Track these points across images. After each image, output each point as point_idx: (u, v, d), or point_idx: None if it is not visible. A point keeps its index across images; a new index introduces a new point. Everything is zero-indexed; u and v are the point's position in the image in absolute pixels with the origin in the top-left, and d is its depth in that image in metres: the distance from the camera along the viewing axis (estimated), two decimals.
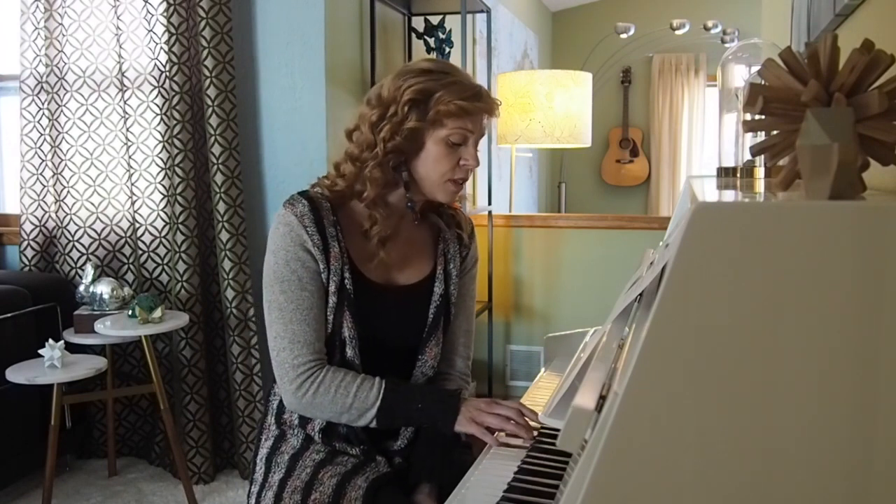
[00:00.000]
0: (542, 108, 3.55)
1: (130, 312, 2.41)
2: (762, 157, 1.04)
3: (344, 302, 1.34)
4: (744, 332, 0.60)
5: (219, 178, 2.55)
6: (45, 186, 2.79)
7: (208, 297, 2.71)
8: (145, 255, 2.76)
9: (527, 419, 1.29)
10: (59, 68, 2.75)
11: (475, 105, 1.31)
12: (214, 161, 2.55)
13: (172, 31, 2.55)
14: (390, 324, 1.39)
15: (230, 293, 2.58)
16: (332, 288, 1.33)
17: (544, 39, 6.28)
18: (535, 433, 1.26)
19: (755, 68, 1.20)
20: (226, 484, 2.64)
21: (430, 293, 1.43)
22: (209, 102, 2.53)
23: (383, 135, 1.32)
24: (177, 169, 2.58)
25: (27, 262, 2.79)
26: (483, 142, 4.17)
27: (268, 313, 1.34)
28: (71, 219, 2.79)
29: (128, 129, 2.71)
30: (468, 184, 1.47)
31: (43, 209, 2.81)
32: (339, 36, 2.72)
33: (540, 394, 1.52)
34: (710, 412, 0.60)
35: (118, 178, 2.78)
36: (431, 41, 3.28)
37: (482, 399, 1.33)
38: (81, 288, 2.66)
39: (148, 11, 2.61)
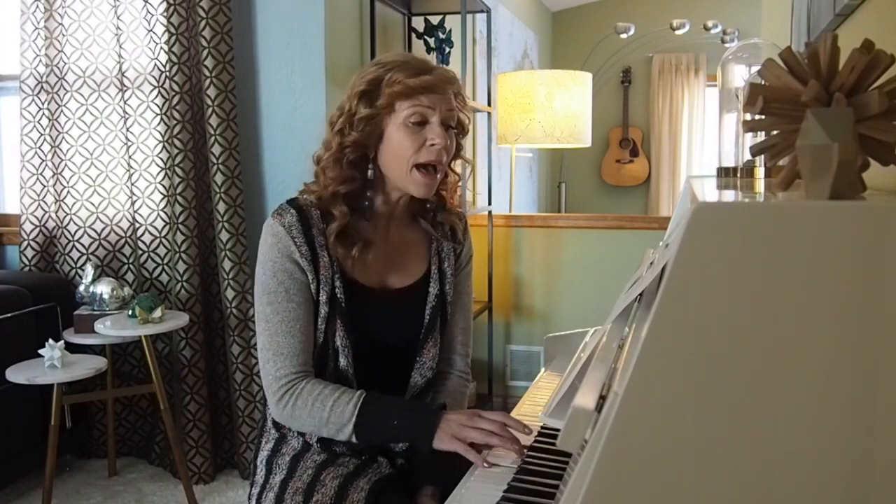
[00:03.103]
0: (542, 108, 3.55)
1: (130, 312, 2.41)
2: (762, 157, 1.04)
3: (335, 311, 1.32)
4: (744, 331, 0.60)
5: (219, 178, 2.55)
6: (45, 186, 2.79)
7: (208, 297, 2.71)
8: (145, 255, 2.76)
9: (512, 431, 1.20)
10: (59, 68, 2.75)
11: (423, 79, 1.26)
12: (214, 161, 2.55)
13: (172, 31, 2.55)
14: (386, 327, 1.38)
15: (230, 293, 2.58)
16: (322, 298, 1.32)
17: (544, 39, 6.28)
18: (525, 445, 1.18)
19: (755, 68, 1.20)
20: (226, 484, 2.64)
21: (426, 294, 1.41)
22: (209, 102, 2.53)
23: (338, 128, 1.31)
24: (177, 169, 2.58)
25: (27, 262, 2.79)
26: (483, 142, 4.16)
27: (257, 324, 1.33)
28: (71, 219, 2.79)
29: (128, 129, 2.71)
30: (468, 184, 1.43)
31: (43, 209, 2.81)
32: (339, 36, 2.72)
33: (540, 394, 1.52)
34: (710, 412, 0.60)
35: (118, 178, 2.78)
36: (431, 41, 3.28)
37: (465, 412, 1.25)
38: (81, 288, 2.66)
39: (148, 11, 2.61)
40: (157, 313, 2.39)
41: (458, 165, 1.43)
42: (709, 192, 0.99)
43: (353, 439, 1.27)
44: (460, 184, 1.48)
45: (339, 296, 1.32)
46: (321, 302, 1.32)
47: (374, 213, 1.37)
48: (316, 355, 1.34)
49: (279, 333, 1.30)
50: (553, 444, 1.13)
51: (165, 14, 2.56)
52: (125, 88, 2.69)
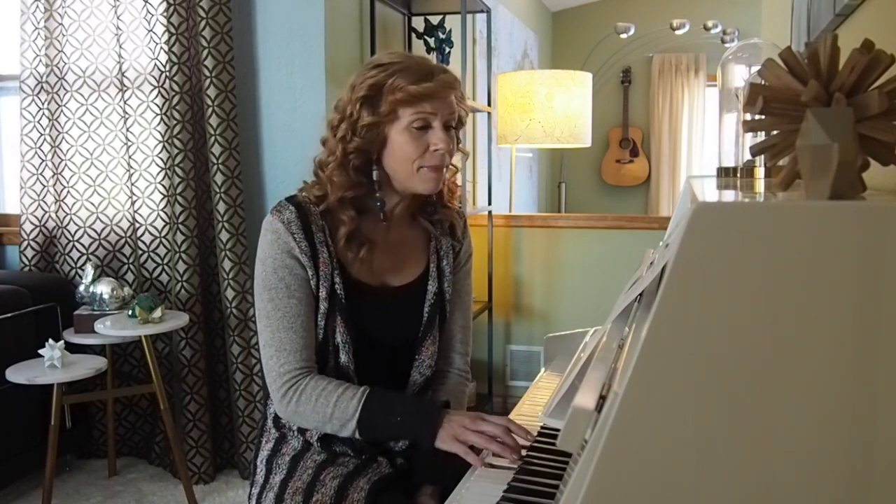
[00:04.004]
0: (542, 108, 3.54)
1: (130, 312, 2.41)
2: (762, 157, 1.04)
3: (335, 307, 1.32)
4: (744, 331, 0.60)
5: (219, 178, 2.55)
6: (45, 186, 2.79)
7: (208, 297, 2.71)
8: (145, 255, 2.76)
9: (514, 437, 1.20)
10: (59, 68, 2.75)
11: (425, 87, 1.26)
12: (214, 161, 2.55)
13: (172, 31, 2.55)
14: (385, 325, 1.38)
15: (230, 293, 2.58)
16: (322, 294, 1.32)
17: (544, 39, 6.28)
18: (524, 452, 1.18)
19: (755, 68, 1.20)
20: (226, 484, 2.64)
21: (425, 292, 1.41)
22: (209, 102, 2.53)
23: (341, 135, 1.31)
24: (177, 169, 2.58)
25: (27, 262, 2.79)
26: (483, 142, 4.16)
27: (258, 321, 1.33)
28: (71, 219, 2.79)
29: (128, 129, 2.71)
30: (468, 180, 1.44)
31: (43, 209, 2.81)
32: (339, 36, 2.72)
33: (540, 394, 1.52)
34: (710, 412, 0.60)
35: (118, 178, 2.78)
36: (431, 41, 3.28)
37: (468, 414, 1.26)
38: (81, 288, 2.66)
39: (148, 11, 2.61)
40: (157, 313, 2.39)
41: (455, 157, 1.43)
42: (709, 192, 0.99)
43: (357, 435, 1.27)
44: (458, 176, 1.48)
45: (338, 292, 1.32)
46: (321, 298, 1.32)
47: (384, 212, 1.37)
48: (316, 352, 1.34)
49: (281, 329, 1.30)
50: (553, 444, 1.13)
51: (165, 14, 2.56)
52: (125, 88, 2.69)
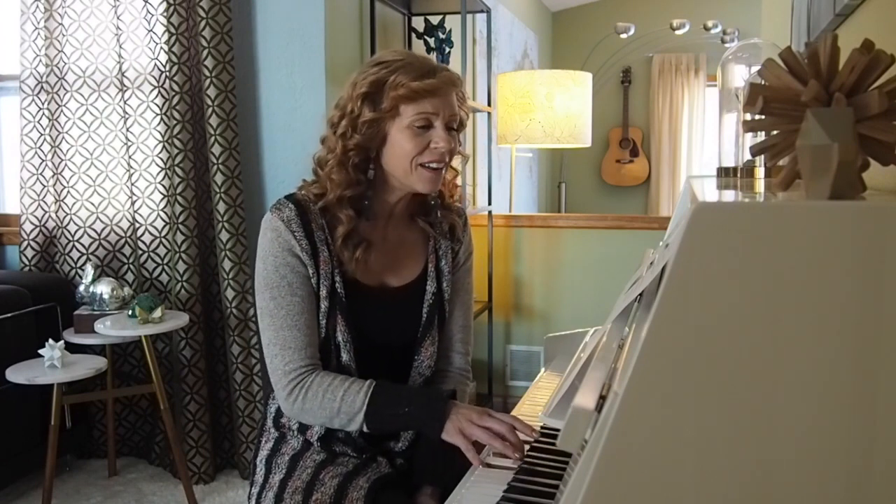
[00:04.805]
0: (542, 108, 3.55)
1: (130, 312, 2.41)
2: (762, 157, 1.04)
3: (336, 306, 1.32)
4: (744, 332, 0.60)
5: (219, 178, 2.55)
6: (45, 186, 2.79)
7: (208, 297, 2.71)
8: (145, 255, 2.76)
9: (519, 435, 1.20)
10: (59, 68, 2.75)
11: (427, 83, 1.25)
12: (214, 161, 2.55)
13: (172, 31, 2.55)
14: (384, 326, 1.38)
15: (230, 293, 2.58)
16: (323, 292, 1.32)
17: (544, 39, 6.28)
18: (528, 448, 1.19)
19: (755, 68, 1.20)
20: (226, 484, 2.64)
21: (423, 292, 1.40)
22: (209, 102, 2.53)
23: (341, 132, 1.30)
24: (177, 169, 2.58)
25: (27, 262, 2.79)
26: (483, 142, 4.16)
27: (260, 320, 1.33)
28: (71, 219, 2.79)
29: (128, 129, 2.71)
30: (468, 184, 1.43)
31: (43, 209, 2.81)
32: (339, 36, 2.72)
33: (540, 394, 1.52)
34: (710, 412, 0.60)
35: (118, 178, 2.78)
36: (431, 41, 3.28)
37: (476, 409, 1.26)
38: (81, 288, 2.66)
39: (148, 11, 2.61)
40: (157, 313, 2.39)
41: (455, 160, 1.43)
42: (709, 192, 0.99)
43: (365, 428, 1.27)
44: (458, 179, 1.47)
45: (339, 290, 1.32)
46: (321, 296, 1.32)
47: (374, 212, 1.37)
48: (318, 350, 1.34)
49: (285, 328, 1.30)
50: (553, 444, 1.13)
51: (165, 14, 2.56)
52: (125, 88, 2.69)
